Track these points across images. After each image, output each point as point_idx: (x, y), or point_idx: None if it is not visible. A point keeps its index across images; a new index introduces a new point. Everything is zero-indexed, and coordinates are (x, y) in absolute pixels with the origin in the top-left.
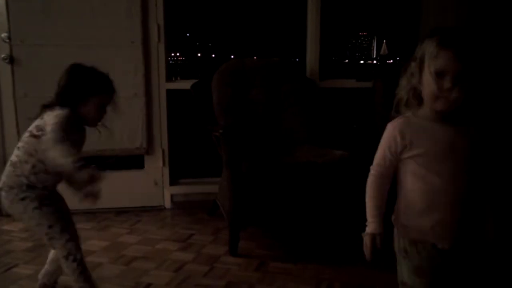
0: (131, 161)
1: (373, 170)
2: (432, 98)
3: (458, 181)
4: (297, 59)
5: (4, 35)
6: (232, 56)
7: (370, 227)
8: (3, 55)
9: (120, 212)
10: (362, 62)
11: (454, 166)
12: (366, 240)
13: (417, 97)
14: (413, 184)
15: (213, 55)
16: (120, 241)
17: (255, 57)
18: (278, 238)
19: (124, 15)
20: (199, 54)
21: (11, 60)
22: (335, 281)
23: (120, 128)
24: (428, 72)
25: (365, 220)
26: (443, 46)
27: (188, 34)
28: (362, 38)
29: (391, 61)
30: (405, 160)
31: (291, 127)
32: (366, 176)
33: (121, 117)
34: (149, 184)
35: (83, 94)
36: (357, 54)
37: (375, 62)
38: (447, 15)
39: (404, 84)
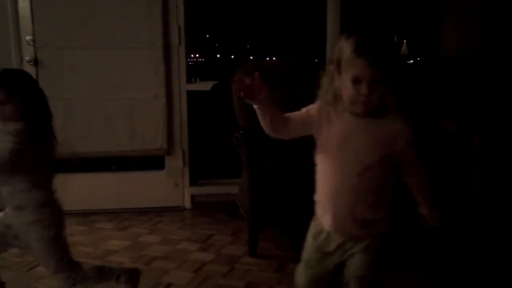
0: (152, 161)
1: None
2: (350, 101)
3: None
4: (316, 60)
5: (28, 38)
6: (251, 57)
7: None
8: (27, 58)
9: (141, 212)
10: None
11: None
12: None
13: (339, 98)
14: None
15: (232, 56)
16: (140, 241)
17: (274, 58)
18: (297, 239)
19: (145, 17)
20: (218, 55)
21: (35, 62)
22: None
23: (141, 129)
24: (345, 77)
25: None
26: (359, 53)
27: (207, 35)
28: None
29: (411, 61)
30: None
31: None
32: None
33: (142, 118)
34: (170, 184)
35: None
36: None
37: None
38: (467, 14)
39: (326, 87)
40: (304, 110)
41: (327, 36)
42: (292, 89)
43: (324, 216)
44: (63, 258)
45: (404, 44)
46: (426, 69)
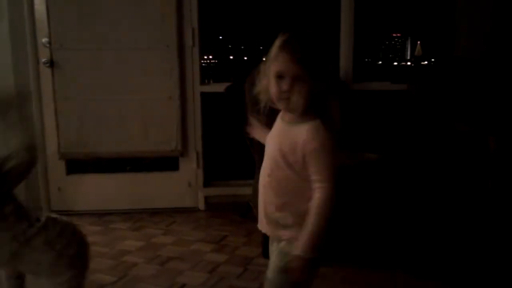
0: (166, 162)
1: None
2: (275, 99)
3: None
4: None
5: (44, 40)
6: (264, 59)
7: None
8: (43, 60)
9: (155, 213)
10: (395, 63)
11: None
12: None
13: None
14: None
15: (246, 58)
16: (155, 241)
17: None
18: None
19: (159, 19)
20: (231, 57)
21: (51, 64)
22: (367, 286)
23: (155, 130)
24: (271, 74)
25: (397, 223)
26: (282, 48)
27: (220, 37)
28: (396, 39)
29: (426, 62)
30: None
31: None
32: (399, 179)
33: (156, 119)
34: (183, 185)
35: None
36: (390, 55)
37: (409, 63)
38: (482, 14)
39: (262, 85)
40: None
41: (340, 38)
42: None
43: None
44: None
45: (418, 45)
46: (440, 70)
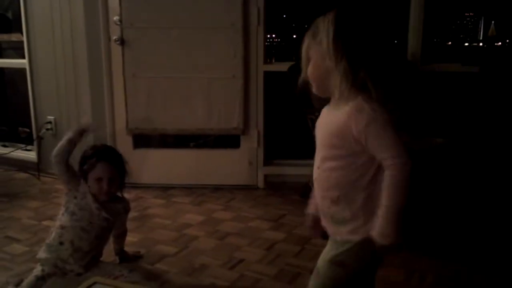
0: (228, 140)
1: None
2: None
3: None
4: (395, 41)
5: (116, 18)
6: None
7: None
8: (114, 37)
9: (216, 189)
10: (466, 44)
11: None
12: None
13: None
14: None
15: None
16: (215, 216)
17: None
18: None
19: None
20: (294, 36)
21: (121, 42)
22: (428, 273)
23: (218, 108)
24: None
25: (460, 210)
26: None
27: (284, 16)
28: (468, 18)
29: (500, 43)
30: None
31: (390, 111)
32: (465, 165)
33: (219, 97)
34: (244, 163)
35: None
36: (461, 35)
37: (481, 44)
38: None
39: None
40: None
41: (410, 16)
42: None
43: None
44: None
45: (492, 26)
46: None
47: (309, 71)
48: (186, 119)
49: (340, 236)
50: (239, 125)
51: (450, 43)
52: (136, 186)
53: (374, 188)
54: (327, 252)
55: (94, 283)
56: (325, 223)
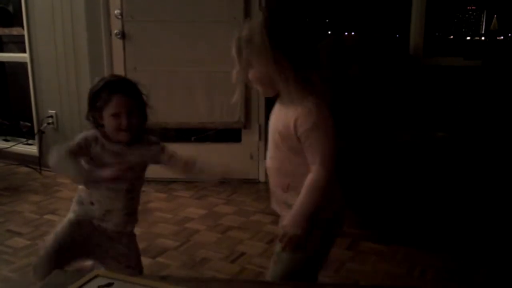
0: (229, 134)
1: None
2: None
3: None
4: (397, 35)
5: (117, 11)
6: (329, 32)
7: None
8: (115, 31)
9: (217, 182)
10: (468, 38)
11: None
12: None
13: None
14: None
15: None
16: (216, 210)
17: (352, 33)
18: (370, 218)
19: None
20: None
21: (122, 35)
22: (429, 267)
23: (220, 103)
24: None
25: (461, 205)
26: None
27: None
28: (470, 12)
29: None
30: None
31: (391, 106)
32: (466, 159)
33: (221, 91)
34: (245, 157)
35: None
36: (463, 29)
37: (483, 38)
38: None
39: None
40: None
41: (412, 9)
42: (374, 65)
43: None
44: None
45: (494, 19)
46: None
47: (252, 76)
48: (187, 113)
49: None
50: (240, 119)
51: (452, 37)
52: None
53: None
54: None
55: (96, 276)
56: (279, 209)
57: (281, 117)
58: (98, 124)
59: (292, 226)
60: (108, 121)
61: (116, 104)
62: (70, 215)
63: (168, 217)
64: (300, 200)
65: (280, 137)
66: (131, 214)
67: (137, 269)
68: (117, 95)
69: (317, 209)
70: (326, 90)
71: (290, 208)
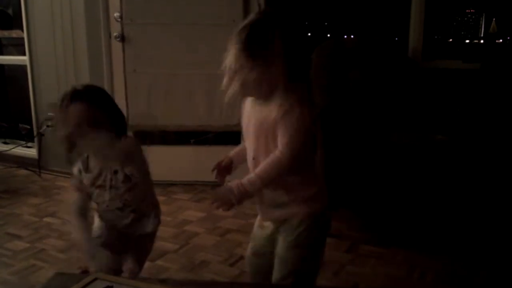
0: (229, 137)
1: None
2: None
3: None
4: (396, 38)
5: (116, 14)
6: (328, 35)
7: None
8: (115, 34)
9: (217, 185)
10: (467, 41)
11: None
12: None
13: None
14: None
15: (309, 34)
16: (215, 213)
17: (352, 36)
18: (369, 221)
19: None
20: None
21: (122, 38)
22: (428, 269)
23: (219, 105)
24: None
25: (461, 207)
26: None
27: None
28: (469, 15)
29: (501, 40)
30: None
31: (391, 108)
32: (466, 162)
33: (221, 94)
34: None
35: None
36: (462, 32)
37: (482, 41)
38: None
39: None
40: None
41: (411, 13)
42: (373, 67)
43: None
44: None
45: (493, 22)
46: None
47: (246, 82)
48: (186, 116)
49: (281, 218)
50: (240, 121)
51: (451, 40)
52: None
53: (306, 172)
54: (283, 240)
55: (95, 279)
56: (268, 211)
57: (260, 114)
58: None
59: (233, 191)
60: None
61: (72, 113)
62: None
63: (167, 220)
64: (260, 169)
65: (263, 134)
66: (137, 211)
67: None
68: (74, 104)
69: (324, 209)
70: (311, 102)
71: (279, 207)
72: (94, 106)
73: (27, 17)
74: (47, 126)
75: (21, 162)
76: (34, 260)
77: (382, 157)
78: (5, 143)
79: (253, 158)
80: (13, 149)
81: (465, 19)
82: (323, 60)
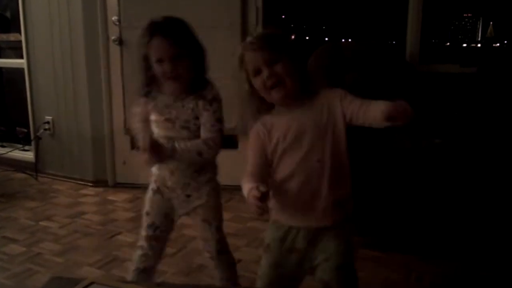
0: (226, 141)
1: None
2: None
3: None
4: (393, 42)
5: (114, 18)
6: (326, 39)
7: None
8: (113, 37)
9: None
10: (465, 45)
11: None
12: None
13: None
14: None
15: (307, 37)
16: None
17: (349, 40)
18: (367, 225)
19: None
20: (293, 36)
21: (120, 42)
22: (425, 273)
23: None
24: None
25: (458, 211)
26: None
27: (283, 16)
28: (466, 19)
29: (498, 44)
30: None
31: None
32: (463, 166)
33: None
34: (242, 164)
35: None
36: (459, 36)
37: (479, 45)
38: None
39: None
40: (254, 148)
41: (408, 16)
42: (370, 71)
43: None
44: None
45: (490, 26)
46: None
47: (281, 68)
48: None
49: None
50: (237, 125)
51: (448, 44)
52: (134, 187)
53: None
54: (331, 261)
55: (92, 283)
56: (326, 218)
57: (309, 117)
58: (150, 78)
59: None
60: (155, 69)
61: (156, 48)
62: (152, 185)
63: None
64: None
65: (323, 128)
66: (199, 171)
67: (214, 223)
68: (156, 37)
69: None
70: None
71: (345, 213)
72: (177, 42)
73: (25, 20)
74: (45, 129)
75: (18, 165)
76: (30, 264)
77: (379, 160)
78: (2, 146)
79: (318, 161)
80: (10, 153)
81: (463, 23)
82: (320, 64)
